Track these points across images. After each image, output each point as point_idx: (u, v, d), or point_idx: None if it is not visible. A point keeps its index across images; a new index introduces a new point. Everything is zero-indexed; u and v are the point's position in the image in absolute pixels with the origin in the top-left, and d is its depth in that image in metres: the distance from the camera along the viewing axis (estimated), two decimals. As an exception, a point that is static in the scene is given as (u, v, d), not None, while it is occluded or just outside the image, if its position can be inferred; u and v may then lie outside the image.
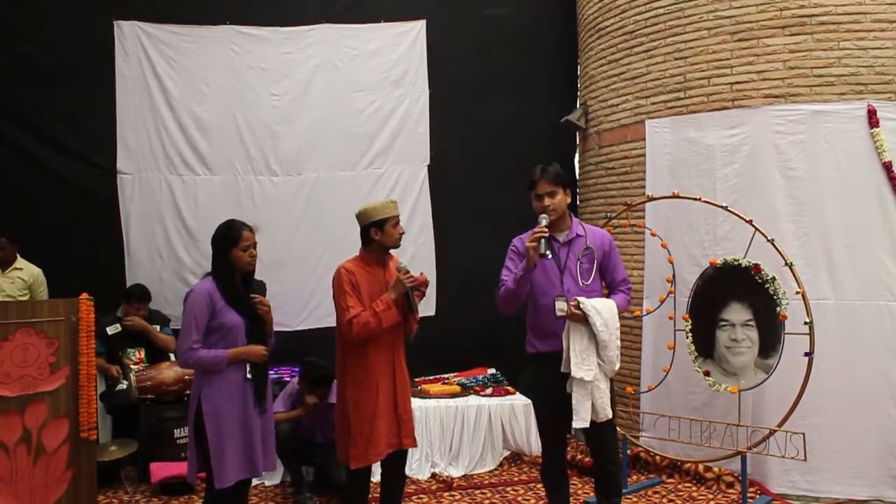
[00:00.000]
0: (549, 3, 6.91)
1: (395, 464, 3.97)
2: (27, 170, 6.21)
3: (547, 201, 3.68)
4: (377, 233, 3.83)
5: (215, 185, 6.45)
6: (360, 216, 3.86)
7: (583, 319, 3.63)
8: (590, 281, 3.74)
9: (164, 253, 6.38)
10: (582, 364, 3.63)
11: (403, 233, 3.93)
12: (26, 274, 5.02)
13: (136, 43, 6.36)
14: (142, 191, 6.38)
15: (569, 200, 3.76)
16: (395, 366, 3.87)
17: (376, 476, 4.30)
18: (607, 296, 3.82)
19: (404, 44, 6.70)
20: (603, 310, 3.65)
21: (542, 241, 3.52)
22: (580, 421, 3.63)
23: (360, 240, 3.91)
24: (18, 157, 6.19)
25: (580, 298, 3.64)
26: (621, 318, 3.75)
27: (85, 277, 5.46)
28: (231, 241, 3.63)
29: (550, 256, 3.64)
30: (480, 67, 6.76)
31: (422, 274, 3.96)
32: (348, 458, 3.80)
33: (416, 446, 3.99)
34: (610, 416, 3.68)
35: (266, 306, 3.74)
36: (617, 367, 3.70)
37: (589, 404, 3.64)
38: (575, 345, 3.65)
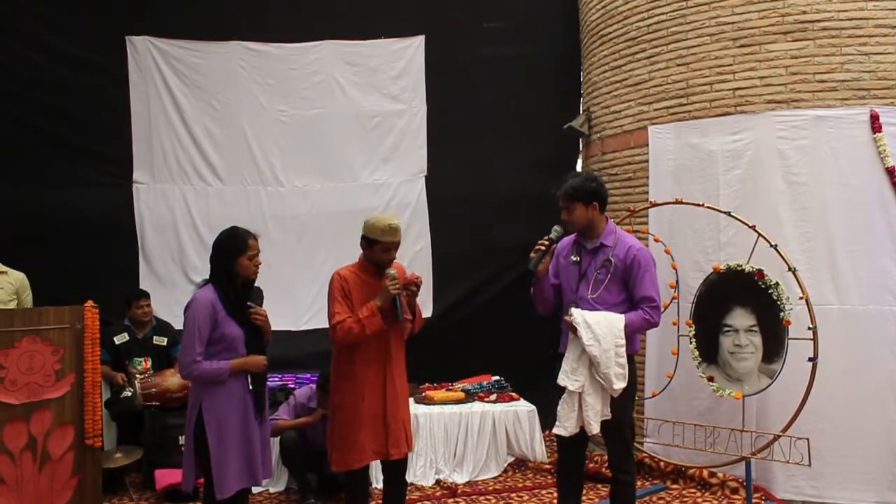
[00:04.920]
0: (551, 10, 6.95)
1: (393, 471, 3.97)
2: (42, 177, 6.32)
3: (564, 216, 3.78)
4: (366, 248, 3.84)
5: (226, 195, 6.71)
6: (363, 226, 3.86)
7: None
8: (596, 294, 3.73)
9: (177, 258, 6.61)
10: (571, 374, 3.64)
11: (393, 259, 3.86)
12: (12, 279, 5.04)
13: (149, 58, 6.59)
14: (157, 200, 6.61)
15: (593, 212, 3.76)
16: (388, 374, 3.85)
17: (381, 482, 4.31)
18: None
19: (404, 59, 6.87)
20: (598, 325, 3.59)
21: (542, 252, 3.65)
22: (560, 428, 3.66)
23: (359, 246, 3.93)
24: (34, 164, 6.32)
25: (573, 310, 3.66)
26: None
27: (97, 285, 5.59)
28: (237, 249, 3.61)
29: (576, 262, 3.77)
30: (481, 77, 6.84)
31: (412, 273, 3.96)
32: (331, 461, 3.86)
33: (403, 456, 3.92)
34: (595, 431, 3.65)
35: (262, 316, 3.71)
36: (616, 385, 3.60)
37: (574, 415, 3.63)
38: (570, 354, 3.66)
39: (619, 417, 3.73)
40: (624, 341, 3.62)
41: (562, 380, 3.66)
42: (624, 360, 3.63)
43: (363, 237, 3.84)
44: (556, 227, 3.76)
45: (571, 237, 3.90)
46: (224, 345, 3.57)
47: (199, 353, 3.49)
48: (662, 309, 5.09)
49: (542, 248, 3.69)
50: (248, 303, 3.68)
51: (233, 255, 3.61)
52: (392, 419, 3.84)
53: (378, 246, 3.79)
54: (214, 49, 6.64)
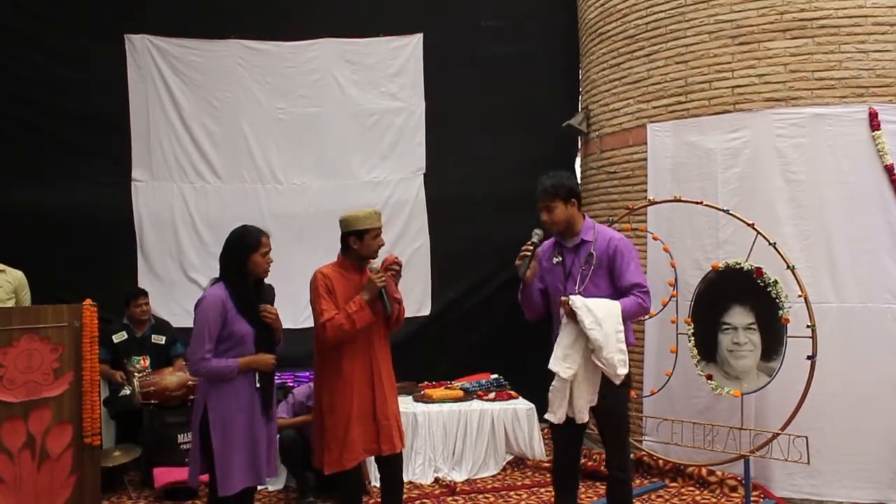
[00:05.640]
0: (550, 8, 6.96)
1: (388, 468, 3.97)
2: (40, 175, 6.33)
3: (545, 216, 3.76)
4: (356, 242, 3.86)
5: (225, 193, 6.73)
6: (342, 223, 3.89)
7: (575, 316, 3.61)
8: (583, 288, 3.71)
9: (175, 256, 6.62)
10: (563, 360, 3.61)
11: (383, 244, 3.93)
12: (10, 277, 5.05)
13: (148, 56, 6.61)
14: (155, 198, 6.63)
15: (573, 209, 3.76)
16: (374, 370, 3.86)
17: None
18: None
19: (402, 57, 6.89)
20: (597, 309, 3.58)
21: (528, 258, 3.69)
22: (552, 416, 3.66)
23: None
24: (32, 163, 6.34)
25: (573, 297, 3.62)
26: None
27: (96, 284, 5.60)
28: (250, 246, 3.63)
29: (559, 262, 3.78)
30: (480, 75, 6.86)
31: (390, 255, 3.99)
32: (322, 464, 3.82)
33: (395, 452, 3.91)
34: (585, 419, 3.65)
35: (273, 315, 3.73)
36: (620, 370, 3.58)
37: (565, 402, 3.62)
38: (562, 340, 3.65)
39: (616, 415, 3.73)
40: (622, 326, 3.62)
41: (554, 365, 3.62)
42: (624, 346, 3.62)
43: (349, 234, 3.86)
44: (536, 231, 3.77)
45: (551, 241, 3.90)
46: (233, 342, 3.59)
47: (207, 351, 3.51)
48: (661, 306, 5.13)
49: (528, 253, 3.71)
50: (262, 300, 3.71)
51: (245, 252, 3.63)
52: (382, 415, 3.84)
53: (369, 234, 3.84)
54: (213, 47, 6.66)
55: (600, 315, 3.56)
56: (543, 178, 3.78)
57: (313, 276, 3.86)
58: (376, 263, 3.92)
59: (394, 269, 3.89)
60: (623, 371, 3.60)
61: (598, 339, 3.53)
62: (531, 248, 3.72)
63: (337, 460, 3.78)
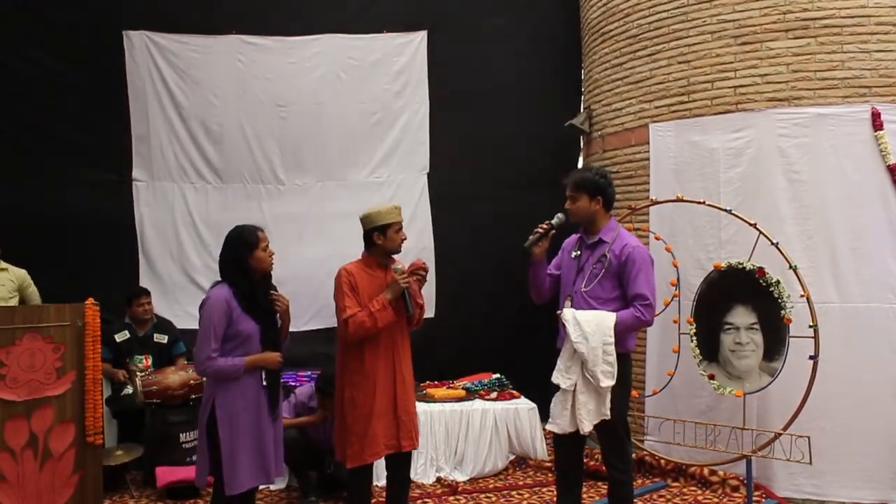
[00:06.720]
0: (552, 8, 6.94)
1: (398, 467, 3.99)
2: (41, 175, 6.29)
3: (568, 204, 3.85)
4: (380, 237, 3.88)
5: (226, 193, 6.64)
6: (365, 220, 3.92)
7: None
8: (589, 288, 3.75)
9: (176, 256, 6.56)
10: (564, 372, 3.67)
11: (405, 238, 3.98)
12: (13, 276, 5.05)
13: (146, 53, 6.49)
14: (156, 198, 6.56)
15: (596, 206, 3.80)
16: (396, 367, 3.89)
17: (382, 480, 4.31)
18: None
19: (406, 54, 6.80)
20: (586, 322, 3.62)
21: (539, 235, 3.77)
22: (554, 425, 3.71)
23: (361, 244, 3.96)
24: (32, 162, 6.30)
25: (564, 309, 3.71)
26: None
27: (97, 284, 5.59)
28: (249, 245, 3.64)
29: (577, 256, 3.84)
30: (483, 73, 6.82)
31: (417, 259, 4.02)
32: (345, 458, 3.85)
33: (415, 448, 3.99)
34: (586, 430, 3.66)
35: (284, 304, 3.77)
36: (603, 383, 3.61)
37: (567, 413, 3.67)
38: (564, 352, 3.70)
39: (613, 416, 3.73)
40: (612, 339, 3.62)
41: (555, 377, 3.70)
42: (612, 359, 3.62)
43: (372, 230, 3.89)
44: (558, 214, 3.85)
45: (578, 235, 3.95)
46: (239, 341, 3.59)
47: (213, 350, 3.51)
48: (663, 306, 5.12)
49: (541, 231, 3.78)
50: (271, 291, 3.75)
51: (247, 250, 3.64)
52: (403, 412, 3.88)
53: (391, 228, 3.88)
54: (212, 43, 6.53)
55: (588, 329, 3.61)
56: (581, 168, 3.85)
57: (338, 272, 3.90)
58: (400, 264, 3.93)
59: (419, 274, 3.94)
60: (607, 383, 3.62)
61: (584, 352, 3.60)
62: (546, 227, 3.79)
63: (359, 454, 3.80)
